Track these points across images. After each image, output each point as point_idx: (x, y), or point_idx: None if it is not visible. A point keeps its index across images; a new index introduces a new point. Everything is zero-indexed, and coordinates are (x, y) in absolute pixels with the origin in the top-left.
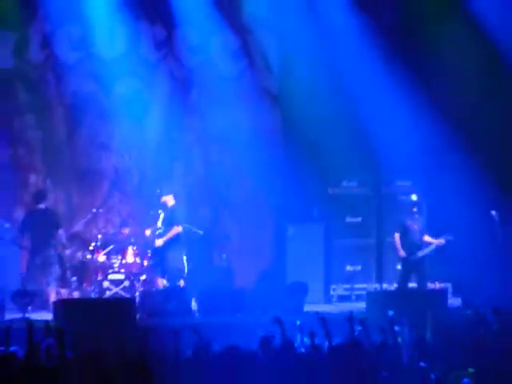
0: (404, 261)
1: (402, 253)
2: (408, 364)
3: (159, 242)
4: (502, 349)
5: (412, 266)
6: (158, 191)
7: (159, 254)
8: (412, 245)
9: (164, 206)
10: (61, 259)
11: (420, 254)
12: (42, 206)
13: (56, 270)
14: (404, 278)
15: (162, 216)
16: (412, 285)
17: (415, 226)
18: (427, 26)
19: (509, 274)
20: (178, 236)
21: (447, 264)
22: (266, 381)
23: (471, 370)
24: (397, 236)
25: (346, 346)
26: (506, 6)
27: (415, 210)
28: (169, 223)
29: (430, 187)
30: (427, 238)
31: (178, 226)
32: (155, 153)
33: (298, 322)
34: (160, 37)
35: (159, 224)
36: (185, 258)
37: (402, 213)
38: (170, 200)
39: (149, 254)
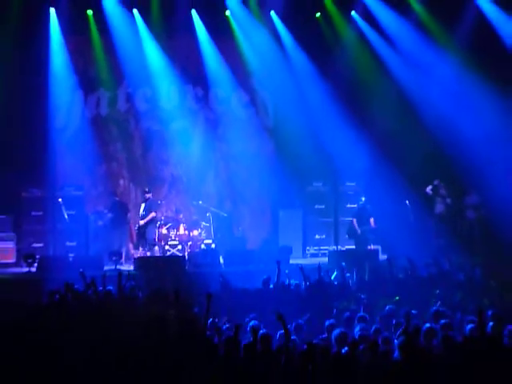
0: (357, 234)
1: (359, 231)
2: (353, 295)
3: (142, 222)
4: (402, 283)
5: (361, 236)
6: (200, 202)
7: (142, 229)
8: (361, 225)
9: (147, 199)
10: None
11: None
12: (116, 198)
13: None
14: (359, 243)
15: (143, 206)
16: (352, 247)
17: (364, 213)
18: (366, 83)
19: (417, 240)
20: (153, 218)
21: (379, 234)
22: (265, 306)
23: (397, 298)
24: (354, 220)
25: (316, 285)
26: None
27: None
28: (148, 210)
29: (367, 186)
30: (371, 220)
31: (153, 212)
32: (196, 166)
33: (287, 271)
34: (199, 94)
35: (141, 211)
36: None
37: (352, 204)
38: (149, 196)
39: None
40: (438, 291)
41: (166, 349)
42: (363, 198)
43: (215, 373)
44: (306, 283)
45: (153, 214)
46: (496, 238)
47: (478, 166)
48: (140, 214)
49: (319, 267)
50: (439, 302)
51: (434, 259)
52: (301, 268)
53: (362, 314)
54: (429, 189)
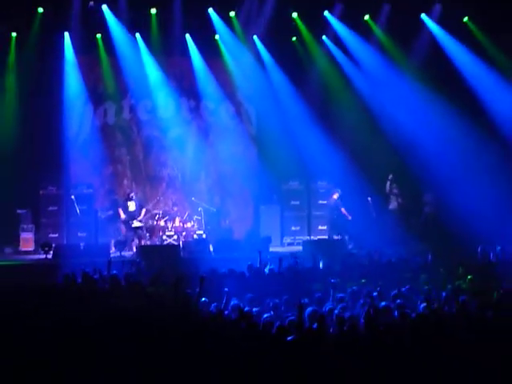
0: (332, 223)
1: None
2: (323, 279)
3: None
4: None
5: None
6: (193, 198)
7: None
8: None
9: (136, 199)
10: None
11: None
12: (115, 196)
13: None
14: (331, 233)
15: (133, 203)
16: (324, 237)
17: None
18: (335, 98)
19: (378, 232)
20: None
21: (346, 225)
22: (249, 287)
23: (363, 280)
24: (343, 209)
25: (289, 270)
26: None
27: (336, 197)
28: (139, 206)
29: (336, 185)
30: (343, 211)
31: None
32: (190, 167)
33: (269, 256)
34: (192, 106)
35: (132, 208)
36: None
37: (323, 200)
38: (138, 195)
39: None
40: (396, 275)
41: (163, 324)
42: (339, 191)
43: (207, 346)
44: (279, 268)
45: (144, 210)
46: (445, 229)
47: (432, 169)
48: (131, 211)
49: (293, 254)
50: (397, 284)
51: (378, 249)
52: (280, 259)
53: (331, 294)
54: (387, 185)
